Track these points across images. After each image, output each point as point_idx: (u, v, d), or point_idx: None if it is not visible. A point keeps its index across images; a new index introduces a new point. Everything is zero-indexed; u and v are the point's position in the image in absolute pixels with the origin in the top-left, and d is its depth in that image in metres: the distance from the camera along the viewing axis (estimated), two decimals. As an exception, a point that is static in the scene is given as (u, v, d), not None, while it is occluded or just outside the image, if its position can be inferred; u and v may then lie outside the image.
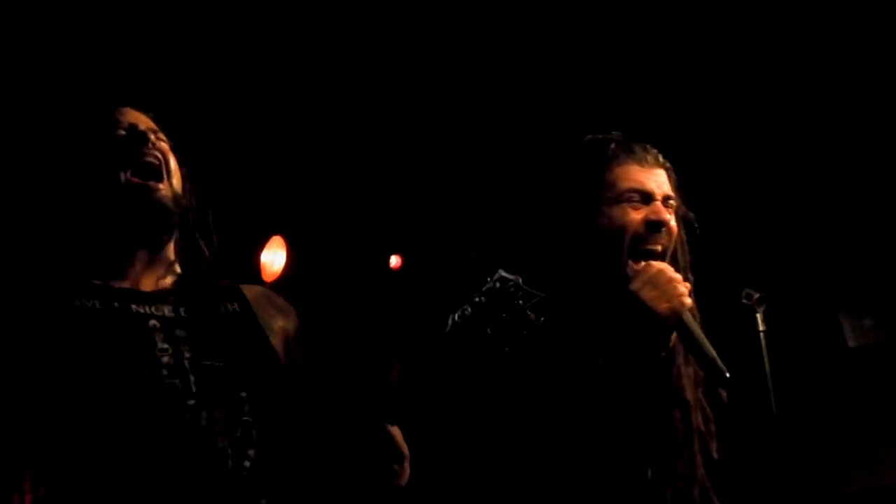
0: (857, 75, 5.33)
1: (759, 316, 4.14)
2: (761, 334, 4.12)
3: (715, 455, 2.82)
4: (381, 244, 6.11)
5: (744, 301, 4.18)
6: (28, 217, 2.59)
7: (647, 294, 2.65)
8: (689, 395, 2.80)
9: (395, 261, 6.07)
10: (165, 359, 2.43)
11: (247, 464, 2.42)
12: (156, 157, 2.56)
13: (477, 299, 2.44)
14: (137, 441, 2.35)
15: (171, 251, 2.62)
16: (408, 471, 2.50)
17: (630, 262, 2.72)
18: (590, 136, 2.88)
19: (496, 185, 5.30)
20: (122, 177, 2.52)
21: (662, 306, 2.64)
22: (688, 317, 2.65)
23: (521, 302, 2.44)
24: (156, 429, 2.37)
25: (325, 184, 5.84)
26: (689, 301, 2.66)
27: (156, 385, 2.40)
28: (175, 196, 2.57)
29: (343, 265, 5.99)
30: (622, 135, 2.86)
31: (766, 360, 4.04)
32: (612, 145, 2.81)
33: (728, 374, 2.59)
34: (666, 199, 2.79)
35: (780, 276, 5.22)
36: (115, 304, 2.48)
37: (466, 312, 2.43)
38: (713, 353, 2.62)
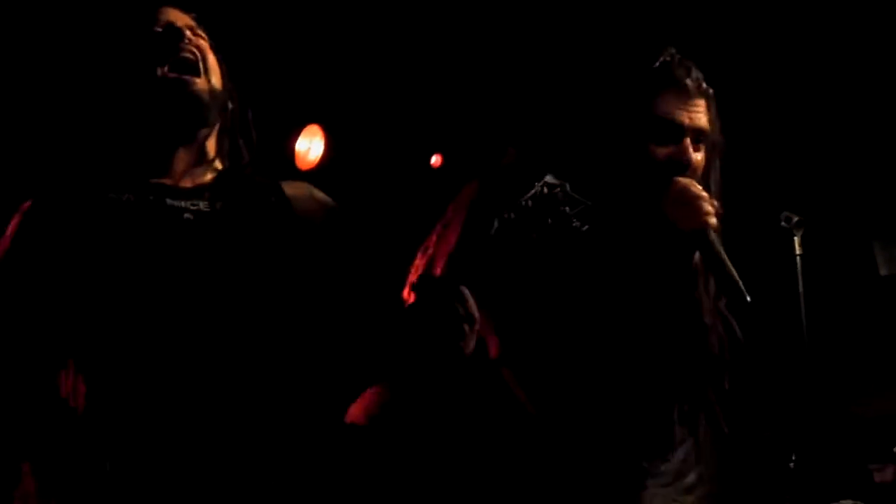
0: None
1: (796, 239, 4.13)
2: (798, 258, 4.11)
3: (726, 384, 2.84)
4: (423, 141, 6.09)
5: (783, 224, 4.16)
6: (68, 113, 2.63)
7: (673, 210, 2.66)
8: (707, 318, 2.82)
9: (435, 159, 6.06)
10: (199, 251, 2.46)
11: (265, 355, 2.46)
12: (192, 52, 2.56)
13: (524, 203, 2.45)
14: (165, 328, 2.39)
15: (210, 148, 2.63)
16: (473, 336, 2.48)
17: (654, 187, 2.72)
18: (639, 51, 2.85)
19: (544, 89, 5.27)
20: (159, 71, 2.53)
21: (686, 223, 2.65)
22: (712, 236, 2.65)
23: (567, 209, 2.45)
24: (184, 319, 2.40)
25: (369, 75, 5.81)
26: (714, 220, 2.66)
27: (187, 276, 2.43)
28: (212, 91, 2.57)
29: (382, 159, 5.98)
30: (672, 52, 2.83)
31: (800, 283, 4.04)
32: (657, 67, 2.78)
33: (749, 298, 2.59)
34: (697, 134, 2.77)
35: (817, 201, 5.20)
36: (150, 197, 2.50)
37: (512, 216, 2.44)
38: (735, 275, 2.62)
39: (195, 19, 2.65)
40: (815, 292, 4.18)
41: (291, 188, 2.69)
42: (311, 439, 2.47)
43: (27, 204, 2.53)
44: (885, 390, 5.33)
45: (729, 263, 2.64)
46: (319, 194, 2.73)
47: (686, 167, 2.74)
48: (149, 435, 2.34)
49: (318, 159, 5.92)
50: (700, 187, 2.70)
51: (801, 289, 4.04)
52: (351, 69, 5.73)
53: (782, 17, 5.42)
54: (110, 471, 2.28)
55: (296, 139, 5.93)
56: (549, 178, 2.48)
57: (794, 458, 4.69)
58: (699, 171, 2.79)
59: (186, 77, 2.54)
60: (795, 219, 4.15)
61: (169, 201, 2.51)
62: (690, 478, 2.80)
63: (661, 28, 5.24)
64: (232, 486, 2.36)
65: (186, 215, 2.50)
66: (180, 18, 2.61)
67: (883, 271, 5.84)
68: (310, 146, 5.96)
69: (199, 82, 2.55)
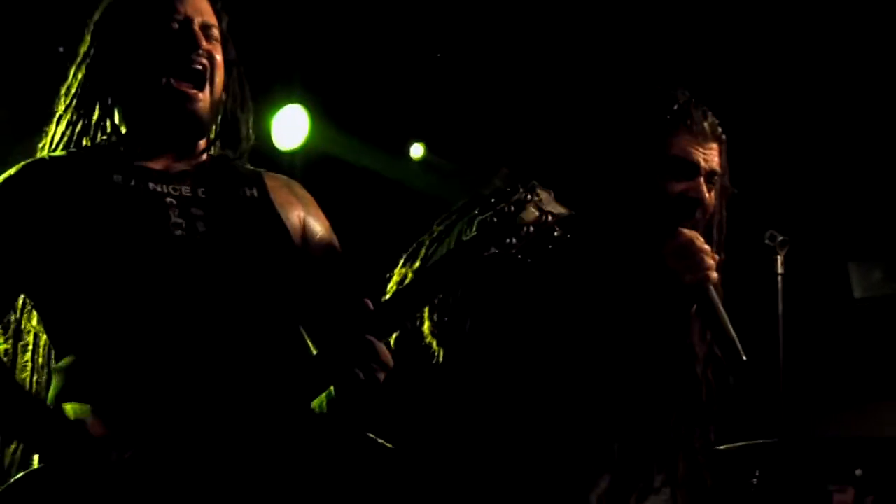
0: (878, 36, 5.35)
1: (779, 258, 4.13)
2: (779, 277, 4.11)
3: (711, 435, 2.82)
4: (407, 130, 6.06)
5: (766, 242, 4.16)
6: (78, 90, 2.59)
7: (674, 261, 2.64)
8: (698, 371, 2.80)
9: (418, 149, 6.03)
10: (178, 232, 2.46)
11: (247, 335, 2.44)
12: (203, 63, 2.52)
13: (506, 209, 2.41)
14: (148, 308, 2.39)
15: (202, 140, 2.62)
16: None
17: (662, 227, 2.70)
18: (654, 89, 2.82)
19: (545, 97, 5.27)
20: (164, 80, 2.50)
21: (687, 276, 2.63)
22: (711, 291, 2.64)
23: (548, 217, 2.41)
24: (165, 299, 2.40)
25: (359, 56, 5.78)
26: (714, 275, 2.64)
27: (167, 256, 2.43)
28: (213, 104, 2.55)
29: (365, 144, 5.96)
30: (687, 94, 2.80)
31: (780, 303, 4.04)
32: (674, 108, 2.75)
33: (744, 357, 2.58)
34: (710, 175, 2.75)
35: (795, 223, 5.22)
36: (134, 181, 2.50)
37: (493, 219, 2.41)
38: (732, 332, 2.61)
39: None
40: (792, 313, 4.19)
41: (274, 181, 2.68)
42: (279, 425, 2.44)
43: (18, 167, 2.52)
44: (852, 414, 5.36)
45: (727, 320, 2.63)
46: (299, 189, 2.72)
47: (697, 204, 2.72)
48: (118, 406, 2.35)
49: (300, 140, 5.88)
50: (703, 240, 2.69)
51: (780, 309, 4.03)
52: (348, 53, 5.70)
53: (770, 43, 5.47)
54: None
55: (277, 118, 5.90)
56: (534, 184, 2.45)
57: (756, 474, 4.71)
58: (710, 212, 2.77)
59: (192, 91, 2.51)
60: (780, 238, 4.15)
61: (152, 185, 2.51)
62: None
63: (647, 51, 5.28)
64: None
65: (168, 199, 2.50)
66: (198, 9, 2.54)
67: (857, 294, 5.86)
68: (292, 126, 5.92)
69: (203, 98, 2.53)
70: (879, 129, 5.70)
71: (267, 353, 2.45)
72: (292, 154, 5.83)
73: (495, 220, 2.40)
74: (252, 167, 2.69)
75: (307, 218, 2.65)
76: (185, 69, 2.50)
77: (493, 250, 2.40)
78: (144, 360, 2.37)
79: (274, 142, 5.83)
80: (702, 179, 2.72)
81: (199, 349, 2.39)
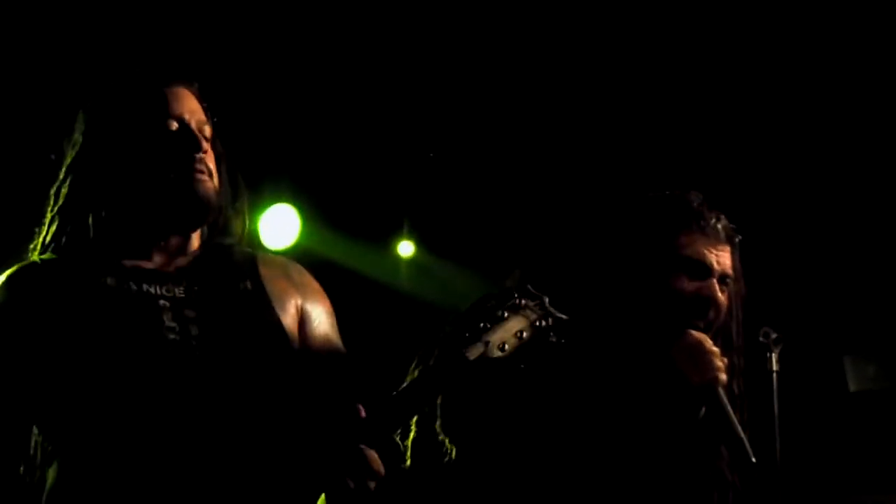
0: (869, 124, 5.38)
1: (773, 356, 4.08)
2: (774, 375, 4.06)
3: None
4: (399, 229, 6.07)
5: (760, 339, 4.12)
6: (70, 194, 2.58)
7: (682, 362, 2.63)
8: (718, 489, 2.79)
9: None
10: (172, 336, 2.45)
11: (242, 441, 2.42)
12: (207, 167, 2.54)
13: (499, 313, 2.40)
14: (141, 414, 2.38)
15: (196, 235, 2.61)
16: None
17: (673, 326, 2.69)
18: (668, 191, 2.83)
19: (543, 200, 5.29)
20: (170, 175, 2.51)
21: (695, 377, 2.62)
22: (720, 392, 2.63)
23: (542, 323, 2.39)
24: (159, 405, 2.39)
25: (349, 156, 5.80)
26: (723, 377, 2.65)
27: (160, 362, 2.42)
28: (217, 193, 2.56)
29: (357, 243, 5.96)
30: (701, 197, 2.81)
31: (775, 402, 3.99)
32: (688, 210, 2.76)
33: (753, 459, 2.57)
34: (723, 277, 2.75)
35: (789, 315, 5.22)
36: (128, 283, 2.49)
37: (486, 326, 2.39)
38: (741, 434, 2.60)
39: (199, 95, 2.61)
40: (787, 408, 4.14)
41: (269, 268, 2.64)
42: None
43: (10, 272, 2.51)
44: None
45: (736, 422, 2.63)
46: (297, 275, 2.67)
47: (710, 303, 2.72)
48: None
49: (290, 241, 5.88)
50: (711, 342, 2.69)
51: (776, 407, 3.99)
52: (338, 152, 5.72)
53: (761, 147, 5.53)
54: None
55: (266, 219, 5.90)
56: (528, 289, 2.43)
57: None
58: (723, 313, 2.77)
59: (198, 175, 2.52)
60: (774, 335, 4.10)
61: (146, 287, 2.50)
62: None
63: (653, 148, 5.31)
64: None
65: (162, 302, 2.49)
66: (192, 112, 2.56)
67: (853, 388, 5.85)
68: (282, 227, 5.92)
69: (209, 183, 2.53)
70: (870, 226, 5.73)
71: (261, 459, 2.42)
72: (282, 255, 5.82)
73: (488, 326, 2.39)
74: (248, 250, 2.67)
75: (305, 305, 2.61)
76: (189, 168, 2.51)
77: (485, 356, 2.37)
78: (138, 466, 2.35)
79: (263, 243, 5.83)
80: (714, 281, 2.72)
81: (192, 456, 2.37)
